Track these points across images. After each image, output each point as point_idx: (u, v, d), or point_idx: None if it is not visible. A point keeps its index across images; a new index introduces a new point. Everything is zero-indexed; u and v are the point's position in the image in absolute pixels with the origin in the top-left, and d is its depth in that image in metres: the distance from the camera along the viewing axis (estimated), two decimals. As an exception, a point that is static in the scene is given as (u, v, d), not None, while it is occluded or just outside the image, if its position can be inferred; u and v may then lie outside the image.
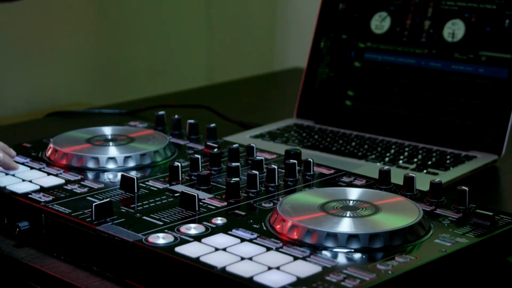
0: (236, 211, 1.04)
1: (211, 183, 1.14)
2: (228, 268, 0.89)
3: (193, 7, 2.53)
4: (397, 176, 1.16)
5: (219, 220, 1.01)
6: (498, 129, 1.41)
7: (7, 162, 1.17)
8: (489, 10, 1.46)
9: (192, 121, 1.36)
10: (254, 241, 0.96)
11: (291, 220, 0.97)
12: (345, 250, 0.93)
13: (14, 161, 1.19)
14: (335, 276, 0.87)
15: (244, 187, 1.11)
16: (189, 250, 0.93)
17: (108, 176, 1.17)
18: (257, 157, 1.20)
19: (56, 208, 1.05)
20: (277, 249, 0.94)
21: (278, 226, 0.98)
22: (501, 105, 1.41)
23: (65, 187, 1.13)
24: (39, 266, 1.03)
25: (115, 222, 1.01)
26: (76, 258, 1.03)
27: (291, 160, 1.16)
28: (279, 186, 1.13)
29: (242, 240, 0.96)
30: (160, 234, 0.97)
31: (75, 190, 1.12)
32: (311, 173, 1.18)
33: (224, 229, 0.99)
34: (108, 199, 1.05)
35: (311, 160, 1.19)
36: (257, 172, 1.11)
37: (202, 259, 0.91)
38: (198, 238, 0.96)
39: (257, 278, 0.87)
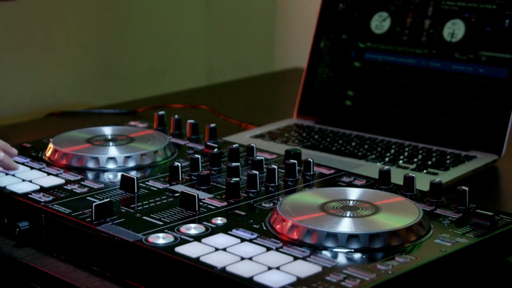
0: (236, 211, 1.04)
1: (211, 183, 1.14)
2: (228, 268, 0.89)
3: (193, 7, 2.53)
4: (397, 176, 1.16)
5: (219, 220, 1.01)
6: (498, 129, 1.41)
7: (7, 162, 1.17)
8: (489, 10, 1.46)
9: (192, 121, 1.36)
10: (254, 241, 0.96)
11: (291, 220, 0.97)
12: (345, 250, 0.93)
13: (14, 161, 1.19)
14: (335, 276, 0.87)
15: (244, 187, 1.11)
16: (189, 250, 0.93)
17: (108, 176, 1.17)
18: (257, 157, 1.20)
19: (56, 208, 1.05)
20: (277, 249, 0.94)
21: (278, 226, 0.98)
22: (501, 105, 1.41)
23: (65, 187, 1.13)
24: (39, 266, 1.03)
25: (115, 222, 1.01)
26: (76, 258, 1.03)
27: (291, 160, 1.16)
28: (279, 186, 1.13)
29: (242, 240, 0.96)
30: (160, 234, 0.97)
31: (75, 190, 1.12)
32: (311, 173, 1.18)
33: (224, 229, 0.99)
34: (108, 199, 1.05)
35: (311, 160, 1.19)
36: (257, 172, 1.11)
37: (202, 259, 0.91)
38: (198, 238, 0.96)
39: (257, 278, 0.87)
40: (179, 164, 1.16)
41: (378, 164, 1.36)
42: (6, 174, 1.17)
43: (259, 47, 2.52)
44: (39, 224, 1.06)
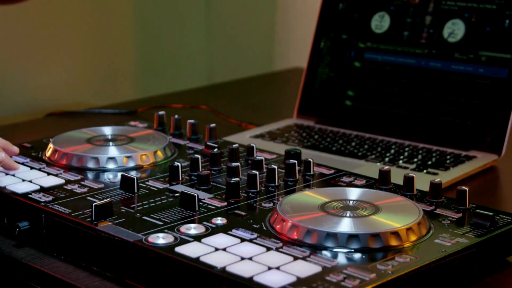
0: (236, 211, 1.04)
1: (211, 183, 1.14)
2: (228, 268, 0.89)
3: (193, 7, 2.53)
4: (397, 176, 1.16)
5: (219, 220, 1.01)
6: (498, 129, 1.41)
7: (7, 162, 1.17)
8: (489, 10, 1.46)
9: (192, 121, 1.36)
10: (254, 241, 0.96)
11: (291, 220, 0.97)
12: (345, 250, 0.93)
13: (14, 161, 1.19)
14: (335, 276, 0.87)
15: (244, 187, 1.11)
16: (189, 250, 0.93)
17: (108, 176, 1.17)
18: (257, 157, 1.20)
19: (56, 208, 1.05)
20: (277, 249, 0.94)
21: (278, 226, 0.98)
22: (501, 105, 1.41)
23: (65, 187, 1.13)
24: (39, 266, 1.03)
25: (115, 222, 1.01)
26: (76, 258, 1.03)
27: (291, 160, 1.16)
28: (279, 186, 1.13)
29: (242, 240, 0.96)
30: (160, 234, 0.97)
31: (75, 190, 1.12)
32: (311, 173, 1.18)
33: (224, 229, 0.99)
34: (108, 199, 1.05)
35: (311, 160, 1.19)
36: (257, 172, 1.11)
37: (202, 259, 0.91)
38: (198, 238, 0.96)
39: (257, 278, 0.87)
40: (179, 164, 1.16)
41: (378, 164, 1.36)
42: (6, 174, 1.17)
43: (259, 47, 2.52)
44: (39, 224, 1.06)
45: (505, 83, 1.42)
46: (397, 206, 1.03)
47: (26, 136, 1.47)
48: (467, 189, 1.06)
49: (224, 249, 0.93)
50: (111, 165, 1.20)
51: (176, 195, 1.10)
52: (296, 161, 1.16)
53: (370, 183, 1.16)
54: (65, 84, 2.24)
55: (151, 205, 1.07)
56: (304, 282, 0.86)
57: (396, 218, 0.98)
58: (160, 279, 0.94)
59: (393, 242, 0.95)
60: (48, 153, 1.24)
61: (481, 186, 1.32)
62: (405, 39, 1.53)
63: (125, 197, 1.10)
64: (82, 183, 1.14)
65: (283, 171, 1.17)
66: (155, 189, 1.12)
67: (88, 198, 1.09)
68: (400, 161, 1.37)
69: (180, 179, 1.15)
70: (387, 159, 1.38)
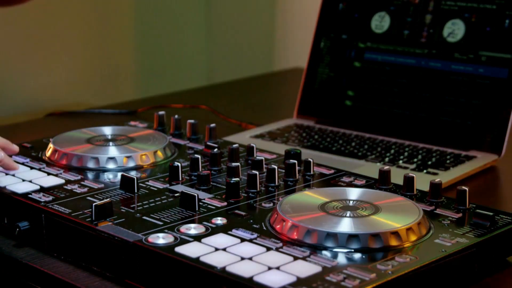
0: (236, 211, 1.04)
1: (211, 183, 1.14)
2: (228, 268, 0.89)
3: (193, 7, 2.53)
4: (397, 176, 1.16)
5: (219, 220, 1.01)
6: (498, 129, 1.41)
7: (7, 162, 1.17)
8: (489, 10, 1.46)
9: (192, 121, 1.36)
10: (254, 241, 0.96)
11: (291, 220, 0.97)
12: (345, 250, 0.93)
13: (14, 161, 1.19)
14: (335, 276, 0.87)
15: (244, 187, 1.11)
16: (189, 250, 0.93)
17: (108, 176, 1.17)
18: (257, 157, 1.20)
19: (56, 208, 1.05)
20: (277, 249, 0.94)
21: (278, 226, 0.98)
22: (501, 105, 1.41)
23: (65, 187, 1.13)
24: (39, 266, 1.03)
25: (115, 222, 1.01)
26: (76, 258, 1.03)
27: (291, 160, 1.16)
28: (279, 186, 1.13)
29: (242, 240, 0.96)
30: (160, 234, 0.97)
31: (75, 190, 1.12)
32: (311, 173, 1.18)
33: (224, 229, 0.99)
34: (108, 199, 1.05)
35: (311, 160, 1.19)
36: (257, 172, 1.11)
37: (202, 259, 0.91)
38: (198, 238, 0.96)
39: (257, 278, 0.87)
40: (179, 164, 1.15)
41: (378, 164, 1.36)
42: (6, 174, 1.17)
43: (259, 47, 2.52)
44: (39, 224, 1.06)
45: (505, 83, 1.42)
46: (397, 206, 1.03)
47: (26, 136, 1.47)
48: (467, 189, 1.06)
49: (224, 249, 0.93)
50: (111, 165, 1.20)
51: (176, 195, 1.10)
52: (296, 161, 1.16)
53: (370, 183, 1.16)
54: (65, 84, 2.24)
55: (151, 205, 1.07)
56: (304, 282, 0.86)
57: (396, 218, 0.98)
58: (160, 279, 0.94)
59: (393, 242, 0.95)
60: (48, 153, 1.24)
61: (481, 186, 1.32)
62: (405, 39, 1.53)
63: (125, 197, 1.10)
64: (82, 183, 1.14)
65: (283, 171, 1.17)
66: (155, 189, 1.12)
67: (88, 198, 1.09)
68: (400, 161, 1.37)
69: (180, 179, 1.15)
70: (387, 159, 1.38)
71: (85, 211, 1.04)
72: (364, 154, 1.41)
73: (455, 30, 1.48)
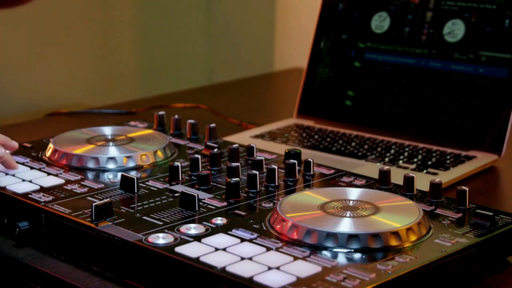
0: (236, 211, 1.04)
1: (211, 183, 1.14)
2: (228, 268, 0.89)
3: (193, 7, 2.53)
4: (397, 176, 1.16)
5: (219, 220, 1.01)
6: (498, 129, 1.41)
7: (7, 159, 1.17)
8: (489, 10, 1.46)
9: (192, 121, 1.36)
10: (254, 241, 0.96)
11: (291, 220, 0.97)
12: (345, 250, 0.93)
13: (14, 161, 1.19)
14: (335, 276, 0.87)
15: (244, 187, 1.11)
16: (189, 250, 0.93)
17: (108, 176, 1.17)
18: (257, 157, 1.20)
19: (56, 208, 1.05)
20: (277, 249, 0.94)
21: (278, 226, 0.98)
22: (501, 105, 1.41)
23: (65, 187, 1.13)
24: (39, 266, 1.03)
25: (115, 222, 1.01)
26: (76, 258, 1.03)
27: (291, 160, 1.16)
28: (279, 186, 1.13)
29: (242, 240, 0.96)
30: (160, 234, 0.97)
31: (75, 190, 1.12)
32: (311, 173, 1.18)
33: (224, 229, 0.99)
34: (108, 199, 1.05)
35: (311, 160, 1.19)
36: (257, 172, 1.11)
37: (202, 259, 0.91)
38: (198, 238, 0.96)
39: (257, 278, 0.87)
40: (179, 164, 1.15)
41: (378, 164, 1.36)
42: (6, 174, 1.17)
43: (259, 47, 2.52)
44: (39, 224, 1.06)
45: (505, 83, 1.42)
46: (397, 206, 1.03)
47: (26, 136, 1.47)
48: (467, 189, 1.06)
49: (224, 249, 0.93)
50: (111, 165, 1.20)
51: (176, 195, 1.10)
52: (296, 161, 1.16)
53: (370, 183, 1.16)
54: (65, 84, 2.24)
55: (151, 205, 1.07)
56: (304, 282, 0.86)
57: (396, 218, 0.98)
58: (160, 279, 0.94)
59: (393, 242, 0.95)
60: (48, 153, 1.24)
61: (481, 186, 1.32)
62: (405, 39, 1.53)
63: (125, 197, 1.10)
64: (82, 183, 1.14)
65: (283, 171, 1.17)
66: (155, 189, 1.12)
67: (88, 198, 1.09)
68: (400, 161, 1.37)
69: (180, 179, 1.15)
70: (387, 159, 1.38)
71: (85, 211, 1.04)
72: (364, 154, 1.41)
73: (455, 30, 1.48)
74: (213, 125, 1.34)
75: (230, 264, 0.89)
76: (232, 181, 1.09)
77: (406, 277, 0.89)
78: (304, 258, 0.91)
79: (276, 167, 1.13)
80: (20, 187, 1.12)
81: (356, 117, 1.55)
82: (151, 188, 1.13)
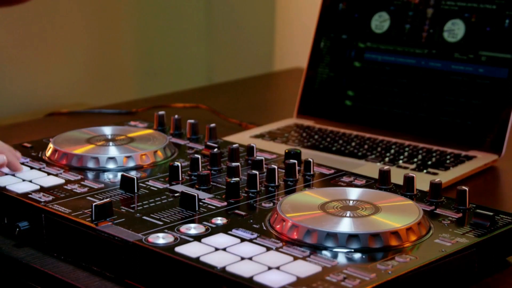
0: (236, 211, 1.04)
1: (211, 183, 1.14)
2: (228, 268, 0.89)
3: (193, 7, 2.53)
4: (397, 176, 1.16)
5: (219, 220, 1.01)
6: (498, 129, 1.41)
7: (13, 163, 1.16)
8: (489, 10, 1.46)
9: (192, 121, 1.36)
10: (254, 241, 0.96)
11: (291, 220, 0.97)
12: (345, 250, 0.93)
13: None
14: (335, 276, 0.87)
15: (244, 187, 1.11)
16: (189, 250, 0.93)
17: (108, 176, 1.17)
18: (257, 157, 1.20)
19: (56, 208, 1.05)
20: (277, 249, 0.94)
21: (278, 226, 0.98)
22: (501, 105, 1.41)
23: (65, 187, 1.13)
24: (39, 266, 1.03)
25: (115, 222, 1.01)
26: (76, 258, 1.03)
27: (291, 160, 1.16)
28: (279, 186, 1.13)
29: (242, 240, 0.96)
30: (160, 234, 0.97)
31: (75, 190, 1.12)
32: (311, 173, 1.18)
33: (224, 229, 0.99)
34: (108, 199, 1.05)
35: (311, 160, 1.19)
36: (257, 172, 1.11)
37: (202, 259, 0.91)
38: (198, 238, 0.96)
39: (257, 278, 0.87)
40: (179, 164, 1.16)
41: (378, 164, 1.36)
42: (6, 174, 1.17)
43: (259, 47, 2.52)
44: (39, 224, 1.06)
45: (505, 83, 1.42)
46: (397, 206, 1.03)
47: (26, 136, 1.47)
48: (467, 189, 1.06)
49: (224, 249, 0.93)
50: (111, 165, 1.20)
51: (176, 195, 1.10)
52: (296, 161, 1.16)
53: (370, 183, 1.16)
54: (65, 84, 2.24)
55: (151, 205, 1.07)
56: (304, 282, 0.86)
57: (396, 218, 0.98)
58: (160, 279, 0.94)
59: (393, 242, 0.95)
60: (48, 153, 1.24)
61: (481, 186, 1.32)
62: (405, 39, 1.53)
63: (125, 197, 1.10)
64: (82, 183, 1.14)
65: (283, 171, 1.17)
66: (155, 189, 1.12)
67: (88, 198, 1.09)
68: (400, 161, 1.37)
69: (180, 179, 1.15)
70: (387, 159, 1.38)
71: (85, 211, 1.04)
72: (364, 154, 1.41)
73: (455, 30, 1.48)
74: (213, 125, 1.34)
75: (230, 264, 0.89)
76: (232, 181, 1.09)
77: (406, 277, 0.89)
78: (304, 258, 0.91)
79: (276, 167, 1.13)
80: (20, 187, 1.12)
81: (356, 117, 1.55)
82: (151, 188, 1.13)
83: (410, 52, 1.52)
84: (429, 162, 1.36)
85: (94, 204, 1.01)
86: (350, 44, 1.59)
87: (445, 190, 1.21)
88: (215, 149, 1.22)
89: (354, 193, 1.06)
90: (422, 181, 1.18)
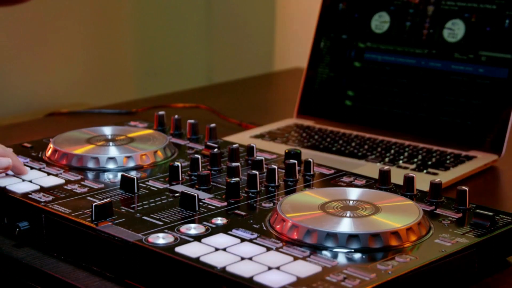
0: (236, 211, 1.04)
1: (211, 183, 1.14)
2: (228, 268, 0.89)
3: (193, 7, 2.53)
4: (397, 176, 1.16)
5: (219, 220, 1.01)
6: (498, 129, 1.41)
7: (17, 165, 1.16)
8: (489, 10, 1.46)
9: (192, 121, 1.36)
10: (254, 241, 0.96)
11: (291, 220, 0.97)
12: (345, 250, 0.93)
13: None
14: (335, 276, 0.87)
15: (244, 187, 1.11)
16: (189, 250, 0.93)
17: (108, 176, 1.17)
18: (257, 157, 1.20)
19: (56, 208, 1.05)
20: (277, 249, 0.94)
21: (278, 226, 0.98)
22: (501, 105, 1.41)
23: (65, 187, 1.13)
24: (39, 266, 1.03)
25: (115, 222, 1.01)
26: (76, 258, 1.03)
27: (291, 160, 1.16)
28: (279, 186, 1.13)
29: (242, 240, 0.96)
30: (160, 234, 0.97)
31: (75, 190, 1.12)
32: (311, 173, 1.18)
33: (224, 229, 0.99)
34: (108, 199, 1.05)
35: (311, 160, 1.19)
36: (257, 172, 1.11)
37: (202, 259, 0.91)
38: (198, 238, 0.96)
39: (257, 278, 0.87)
40: (179, 164, 1.15)
41: (378, 164, 1.36)
42: (6, 174, 1.17)
43: (259, 47, 2.52)
44: (39, 224, 1.06)
45: (505, 83, 1.42)
46: (397, 206, 1.03)
47: (26, 136, 1.47)
48: (467, 189, 1.06)
49: (224, 249, 0.93)
50: (111, 165, 1.20)
51: (176, 195, 1.10)
52: (296, 161, 1.16)
53: (370, 183, 1.16)
54: (65, 84, 2.24)
55: (151, 205, 1.07)
56: (304, 282, 0.86)
57: (396, 218, 0.98)
58: (160, 279, 0.94)
59: (393, 242, 0.95)
60: (48, 153, 1.24)
61: (481, 186, 1.32)
62: (405, 39, 1.53)
63: (125, 197, 1.10)
64: (82, 183, 1.14)
65: (283, 171, 1.17)
66: (155, 189, 1.12)
67: (88, 198, 1.09)
68: (400, 161, 1.37)
69: (180, 179, 1.15)
70: (387, 159, 1.38)
71: (85, 211, 1.04)
72: (364, 154, 1.41)
73: (455, 30, 1.48)
74: (213, 125, 1.34)
75: (230, 264, 0.89)
76: (232, 181, 1.09)
77: (406, 277, 0.89)
78: (304, 258, 0.91)
79: (276, 167, 1.13)
80: (20, 187, 1.12)
81: (356, 117, 1.55)
82: (151, 188, 1.13)
83: (410, 52, 1.52)
84: (429, 162, 1.36)
85: (94, 204, 1.01)
86: (350, 44, 1.59)
87: (445, 190, 1.21)
88: (215, 149, 1.22)
89: (354, 193, 1.06)
90: (422, 181, 1.18)
